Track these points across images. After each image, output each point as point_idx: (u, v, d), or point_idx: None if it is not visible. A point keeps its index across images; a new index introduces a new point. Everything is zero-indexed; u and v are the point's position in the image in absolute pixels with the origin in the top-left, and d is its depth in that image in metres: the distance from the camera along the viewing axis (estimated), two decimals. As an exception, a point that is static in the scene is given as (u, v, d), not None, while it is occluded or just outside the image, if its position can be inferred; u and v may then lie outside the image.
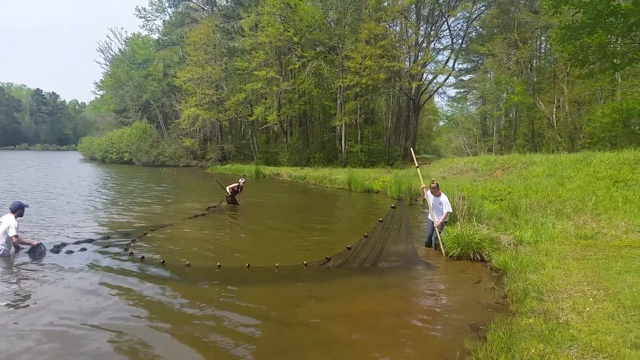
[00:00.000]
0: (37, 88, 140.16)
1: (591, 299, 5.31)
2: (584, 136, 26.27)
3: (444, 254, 8.79)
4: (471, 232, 8.56)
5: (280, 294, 6.70)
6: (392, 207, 8.66)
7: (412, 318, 5.80)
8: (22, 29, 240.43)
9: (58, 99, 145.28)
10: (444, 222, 9.27)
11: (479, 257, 8.38)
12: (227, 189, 16.56)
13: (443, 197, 9.27)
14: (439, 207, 9.24)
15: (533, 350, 4.12)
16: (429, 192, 9.42)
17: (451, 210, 9.29)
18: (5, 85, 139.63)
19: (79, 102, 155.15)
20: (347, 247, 8.11)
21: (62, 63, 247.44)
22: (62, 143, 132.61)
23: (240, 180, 17.06)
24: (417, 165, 10.45)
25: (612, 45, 19.71)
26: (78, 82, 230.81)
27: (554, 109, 29.72)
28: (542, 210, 11.12)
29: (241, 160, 44.07)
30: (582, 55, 19.45)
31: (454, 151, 52.14)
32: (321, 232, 12.07)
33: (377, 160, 35.84)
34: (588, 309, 5.01)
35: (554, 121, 29.29)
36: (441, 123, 63.76)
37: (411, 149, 13.33)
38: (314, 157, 38.36)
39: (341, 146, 38.19)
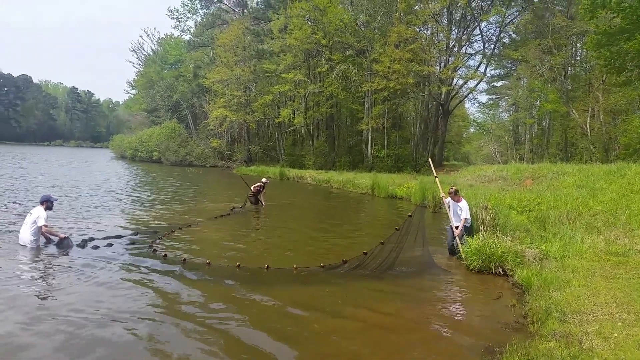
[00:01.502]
0: (73, 86, 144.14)
1: (620, 324, 4.89)
2: (618, 147, 25.24)
3: (463, 261, 8.49)
4: (494, 245, 8.14)
5: (296, 296, 6.64)
6: (409, 215, 8.66)
7: (423, 334, 5.50)
8: (60, 27, 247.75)
9: (93, 97, 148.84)
10: (467, 227, 8.99)
11: (501, 271, 7.95)
12: (252, 189, 16.54)
13: (462, 203, 9.08)
14: (459, 213, 9.04)
15: (551, 380, 3.77)
16: (448, 198, 9.31)
17: (469, 217, 9.02)
18: (43, 82, 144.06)
19: (113, 101, 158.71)
20: (364, 252, 8.04)
21: (98, 62, 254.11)
22: (96, 140, 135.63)
23: (263, 179, 17.13)
24: (435, 175, 10.39)
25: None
26: (113, 81, 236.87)
27: (588, 118, 28.68)
28: (572, 223, 10.58)
29: (267, 162, 44.14)
30: (619, 62, 18.69)
31: (484, 159, 51.07)
32: (340, 236, 12.00)
33: (404, 166, 35.31)
34: (616, 334, 4.60)
35: (588, 131, 28.26)
36: (472, 130, 62.72)
37: (429, 158, 13.04)
38: (340, 160, 38.10)
39: (367, 150, 37.81)
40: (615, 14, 18.12)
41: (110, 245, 9.13)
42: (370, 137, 37.47)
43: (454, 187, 9.27)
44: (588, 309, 5.39)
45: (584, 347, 4.38)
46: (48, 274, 7.19)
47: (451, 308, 6.50)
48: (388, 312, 6.15)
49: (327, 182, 29.55)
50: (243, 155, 46.72)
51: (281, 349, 4.90)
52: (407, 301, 6.70)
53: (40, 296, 6.15)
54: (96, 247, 8.89)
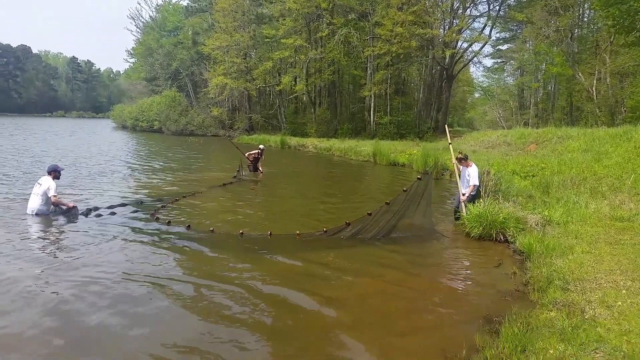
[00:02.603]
0: (73, 56, 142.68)
1: (624, 291, 4.71)
2: (625, 110, 24.69)
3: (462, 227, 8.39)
4: (495, 211, 7.92)
5: (297, 264, 6.62)
6: (418, 178, 8.46)
7: (420, 303, 5.34)
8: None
9: (93, 67, 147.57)
10: (473, 195, 8.76)
11: (502, 237, 7.75)
12: (248, 155, 16.44)
13: (472, 169, 8.87)
14: (467, 178, 8.88)
15: (552, 352, 3.59)
16: (459, 165, 9.21)
17: (477, 184, 8.79)
18: (43, 53, 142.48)
19: (114, 71, 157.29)
20: (368, 213, 7.92)
21: (98, 31, 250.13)
22: (97, 111, 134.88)
23: (260, 146, 17.05)
24: (450, 142, 10.06)
25: (663, 11, 18.17)
26: (113, 50, 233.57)
27: (595, 81, 27.96)
28: (576, 187, 10.35)
29: (269, 131, 43.67)
30: (628, 21, 18.01)
31: (488, 124, 50.38)
32: (342, 203, 11.98)
33: (407, 133, 34.85)
34: (620, 303, 4.42)
35: (594, 94, 27.61)
36: (476, 95, 61.62)
37: (445, 125, 12.78)
38: (342, 128, 37.61)
39: (370, 118, 37.25)
40: (625, -29, 17.41)
41: (113, 213, 9.17)
42: (372, 103, 36.85)
43: (462, 153, 9.17)
44: (591, 277, 5.20)
45: (586, 317, 4.20)
46: (51, 240, 7.42)
47: (450, 276, 6.34)
48: (387, 280, 6.01)
49: (329, 150, 29.28)
50: (244, 124, 46.24)
51: (276, 318, 4.80)
52: (406, 269, 6.55)
53: (39, 260, 6.27)
54: (99, 216, 8.96)
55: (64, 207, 8.98)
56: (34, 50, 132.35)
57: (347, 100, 42.74)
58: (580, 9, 33.95)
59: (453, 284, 6.02)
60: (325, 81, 39.11)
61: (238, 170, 15.98)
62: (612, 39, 25.95)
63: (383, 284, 5.88)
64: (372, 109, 36.95)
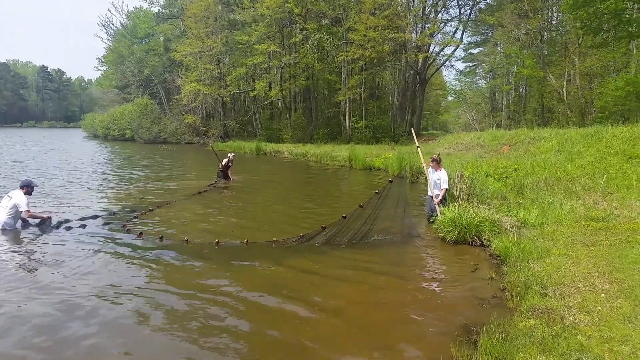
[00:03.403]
0: (43, 65, 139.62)
1: (603, 295, 4.56)
2: (595, 110, 25.12)
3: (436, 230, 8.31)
4: (470, 214, 7.77)
5: (273, 274, 6.38)
6: (390, 181, 8.34)
7: (393, 313, 5.10)
8: (30, 5, 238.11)
9: (64, 76, 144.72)
10: (443, 198, 8.80)
11: (478, 241, 7.60)
12: (222, 163, 16.32)
13: (442, 173, 8.94)
14: (437, 182, 8.91)
15: (532, 364, 3.40)
16: (430, 168, 9.19)
17: (447, 187, 8.84)
18: (11, 62, 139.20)
19: (85, 79, 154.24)
20: (343, 216, 7.82)
21: (68, 39, 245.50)
22: (69, 120, 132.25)
23: (229, 154, 16.91)
24: (417, 145, 9.96)
25: (628, 12, 18.49)
26: (85, 59, 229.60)
27: (565, 83, 28.45)
28: (550, 188, 10.33)
29: (244, 138, 43.18)
30: (596, 23, 18.30)
31: (462, 127, 50.86)
32: (318, 208, 11.88)
33: (382, 137, 34.91)
34: (599, 308, 4.27)
35: (565, 95, 28.07)
36: (450, 98, 62.23)
37: (412, 129, 12.71)
38: (318, 133, 37.46)
39: (345, 122, 37.24)
40: (591, -26, 17.68)
41: (84, 226, 8.84)
42: (347, 108, 36.87)
43: (438, 155, 9.20)
44: (569, 280, 5.05)
45: (566, 324, 4.02)
46: (19, 256, 7.06)
47: (427, 283, 6.12)
48: (364, 289, 5.81)
49: (305, 155, 29.03)
50: (219, 131, 45.70)
51: (255, 331, 4.67)
52: (383, 277, 6.33)
53: (16, 279, 5.97)
54: (69, 228, 8.62)
55: (38, 220, 8.72)
56: (2, 59, 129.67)
57: (323, 105, 42.66)
58: (549, 12, 34.62)
59: (430, 291, 5.80)
60: (299, 86, 38.96)
61: (216, 181, 15.78)
62: (580, 41, 26.44)
63: (360, 294, 5.67)
64: (347, 113, 36.96)
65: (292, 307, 5.20)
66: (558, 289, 4.88)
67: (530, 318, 4.33)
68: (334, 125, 39.96)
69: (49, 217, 8.80)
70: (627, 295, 4.46)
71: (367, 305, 5.37)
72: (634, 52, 23.80)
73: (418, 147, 9.97)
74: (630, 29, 18.56)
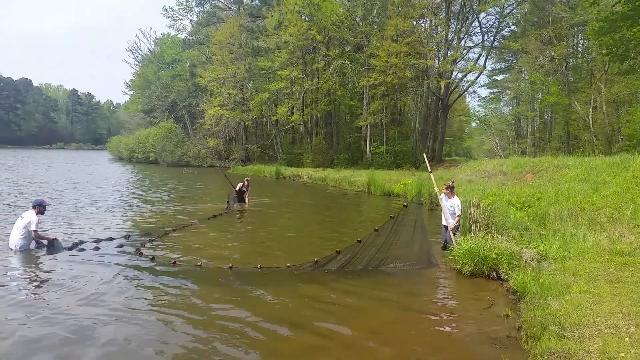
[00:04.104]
0: (73, 89, 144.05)
1: (627, 339, 4.20)
2: (622, 138, 24.44)
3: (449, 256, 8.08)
4: (487, 246, 7.43)
5: (284, 303, 6.25)
6: (404, 205, 8.15)
7: (402, 350, 4.81)
8: (63, 31, 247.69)
9: (93, 100, 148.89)
10: (457, 226, 8.66)
11: (495, 274, 7.24)
12: (235, 188, 16.30)
13: (455, 200, 8.84)
14: (450, 209, 8.80)
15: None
16: (443, 195, 9.07)
17: (459, 214, 8.70)
18: (43, 86, 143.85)
19: (114, 103, 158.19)
20: (358, 240, 7.71)
21: (99, 64, 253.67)
22: (97, 143, 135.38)
23: (245, 179, 16.90)
24: (430, 171, 10.03)
25: (655, 39, 18.07)
26: (114, 83, 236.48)
27: (591, 110, 27.84)
28: (573, 219, 9.88)
29: (265, 161, 43.48)
30: (622, 49, 17.90)
31: (486, 153, 50.15)
32: (332, 234, 11.72)
33: (403, 162, 34.60)
34: (623, 354, 3.91)
35: (591, 122, 27.43)
36: (473, 124, 61.72)
37: (424, 155, 12.60)
38: (339, 158, 37.42)
39: (366, 147, 37.15)
40: (617, 0, 17.37)
41: (97, 248, 8.82)
42: (369, 133, 36.82)
43: (452, 182, 9.10)
44: (590, 321, 4.69)
45: (584, 372, 3.69)
46: (32, 278, 7.06)
47: (439, 319, 5.80)
48: (374, 324, 5.53)
49: (324, 180, 28.89)
50: (240, 155, 46.14)
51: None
52: (394, 310, 6.09)
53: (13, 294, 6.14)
54: (82, 250, 8.64)
55: (45, 242, 8.70)
56: (35, 84, 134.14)
57: (344, 130, 42.70)
58: (575, 39, 34.19)
59: (442, 328, 5.48)
60: (321, 111, 39.16)
61: (228, 202, 15.75)
62: (606, 68, 25.95)
63: (369, 329, 5.39)
64: (368, 138, 36.89)
65: (300, 335, 5.14)
66: (577, 330, 4.53)
67: (545, 363, 4.00)
68: (355, 150, 39.90)
69: (55, 239, 8.79)
70: (654, 341, 4.09)
71: (376, 339, 5.12)
72: (662, 79, 23.19)
73: (430, 172, 10.06)
74: (658, 55, 18.15)
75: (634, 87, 24.84)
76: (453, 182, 9.24)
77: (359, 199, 20.86)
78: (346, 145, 41.32)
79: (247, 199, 16.35)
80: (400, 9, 34.85)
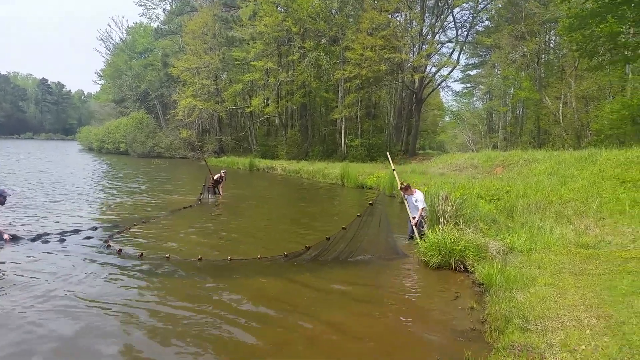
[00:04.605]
0: (43, 78, 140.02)
1: (588, 332, 4.17)
2: (590, 133, 24.91)
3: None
4: (454, 238, 7.39)
5: (252, 294, 6.18)
6: (370, 203, 8.24)
7: (366, 345, 4.73)
8: (30, 18, 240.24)
9: (64, 89, 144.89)
10: (423, 220, 8.69)
11: (462, 266, 7.22)
12: (213, 177, 16.21)
13: (417, 195, 8.94)
14: (415, 204, 8.83)
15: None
16: (404, 195, 9.24)
17: (425, 207, 8.77)
18: (11, 74, 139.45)
19: (85, 93, 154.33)
20: (326, 237, 7.85)
21: (70, 53, 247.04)
22: (67, 133, 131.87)
23: (222, 171, 16.85)
24: (393, 168, 10.30)
25: (623, 36, 18.38)
26: (86, 73, 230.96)
27: (561, 105, 28.33)
28: (541, 212, 9.95)
29: (240, 153, 43.00)
30: (591, 45, 18.12)
31: (459, 147, 50.69)
32: (304, 227, 11.62)
33: (377, 155, 34.57)
34: (583, 347, 3.87)
35: (560, 117, 27.91)
36: (447, 119, 62.23)
37: (387, 153, 12.88)
38: (313, 150, 37.26)
39: (341, 140, 37.08)
40: (586, -3, 17.62)
41: (63, 240, 8.60)
42: (344, 126, 36.74)
43: (404, 183, 9.19)
44: (553, 314, 4.66)
45: (545, 365, 3.63)
46: None
47: (404, 312, 5.73)
48: (339, 319, 5.43)
49: (298, 172, 28.73)
50: (214, 146, 45.50)
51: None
52: (360, 304, 6.01)
53: None
54: (46, 242, 8.40)
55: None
56: (3, 72, 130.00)
57: (319, 123, 42.47)
58: (547, 35, 34.68)
59: (406, 322, 5.39)
60: (296, 103, 38.85)
61: (202, 193, 15.58)
62: (576, 64, 26.38)
63: (333, 322, 5.30)
64: (343, 131, 36.81)
65: (265, 329, 5.07)
66: (541, 323, 4.50)
67: (507, 357, 3.94)
68: (330, 143, 39.76)
69: (13, 237, 8.41)
70: (614, 333, 4.07)
71: (340, 333, 5.04)
72: (630, 75, 23.68)
73: (394, 170, 10.26)
74: (625, 52, 18.43)
75: (602, 83, 25.32)
76: (403, 182, 9.30)
77: (333, 191, 20.76)
78: (321, 137, 41.14)
79: (221, 190, 16.24)
80: (376, 2, 34.75)
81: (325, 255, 7.83)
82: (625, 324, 4.24)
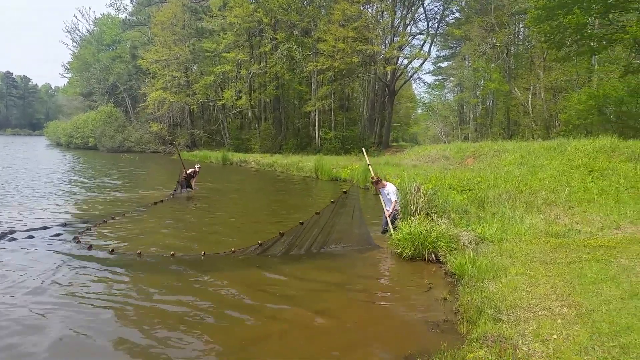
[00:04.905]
0: (7, 71, 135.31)
1: (560, 321, 4.18)
2: (559, 124, 25.41)
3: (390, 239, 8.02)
4: (426, 229, 7.37)
5: (224, 290, 6.05)
6: (344, 191, 8.27)
7: (337, 339, 4.66)
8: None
9: (30, 83, 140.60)
10: (396, 212, 8.68)
11: (434, 257, 7.21)
12: (187, 171, 15.87)
13: (389, 187, 9.00)
14: (388, 197, 8.86)
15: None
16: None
17: (398, 199, 8.74)
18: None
19: (52, 87, 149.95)
20: (300, 222, 7.81)
21: (39, 46, 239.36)
22: (35, 128, 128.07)
23: (196, 165, 16.67)
24: (368, 162, 10.24)
25: (589, 27, 18.72)
26: (53, 66, 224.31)
27: (530, 96, 28.82)
28: (511, 201, 10.05)
29: (213, 147, 42.37)
30: (559, 36, 18.42)
31: (431, 139, 51.19)
32: (277, 219, 11.58)
33: (352, 148, 34.55)
34: (555, 336, 3.87)
35: (530, 108, 28.40)
36: (419, 111, 62.77)
37: (362, 148, 12.87)
38: (287, 144, 37.00)
39: (315, 133, 36.93)
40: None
41: (31, 237, 8.37)
42: (317, 118, 36.59)
43: (374, 177, 9.24)
44: (525, 303, 4.67)
45: (518, 356, 3.61)
46: None
47: (378, 304, 5.71)
48: (311, 310, 5.37)
49: (272, 165, 28.51)
50: (186, 140, 44.76)
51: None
52: (328, 296, 5.97)
53: None
54: (13, 240, 8.16)
55: None
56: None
57: (293, 116, 42.16)
58: (516, 27, 35.16)
59: (379, 315, 5.36)
60: (269, 96, 38.44)
61: (175, 189, 15.31)
62: (545, 55, 26.81)
63: (306, 316, 5.23)
64: (317, 124, 36.67)
65: (238, 323, 5.01)
66: (513, 313, 4.49)
67: (480, 348, 3.91)
68: (304, 136, 39.55)
69: None
70: (585, 321, 4.08)
71: (311, 329, 4.94)
72: (596, 67, 24.20)
73: (369, 164, 10.18)
74: (591, 43, 18.78)
75: (570, 74, 25.80)
76: (373, 177, 9.36)
77: (307, 184, 20.66)
78: (295, 130, 40.87)
79: (194, 184, 15.99)
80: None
81: (299, 243, 7.77)
82: (595, 311, 4.27)
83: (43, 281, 6.02)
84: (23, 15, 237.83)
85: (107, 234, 9.04)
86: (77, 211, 11.76)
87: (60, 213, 11.36)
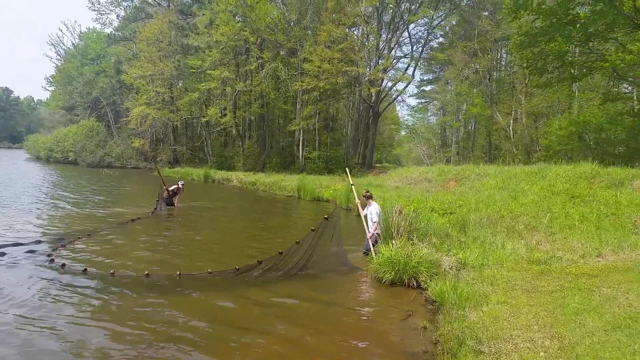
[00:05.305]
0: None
1: (542, 354, 4.03)
2: (540, 149, 25.71)
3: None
4: (407, 253, 7.22)
5: (198, 313, 5.85)
6: (325, 218, 8.27)
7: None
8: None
9: (11, 95, 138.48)
10: (377, 235, 8.73)
11: (415, 283, 7.05)
12: (168, 189, 15.67)
13: (373, 207, 9.02)
14: (370, 217, 8.94)
15: None
16: (360, 205, 9.36)
17: (377, 220, 8.81)
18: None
19: (35, 99, 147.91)
20: (279, 252, 7.74)
21: (19, 58, 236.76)
22: (15, 141, 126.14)
23: (179, 182, 16.52)
24: (351, 183, 10.26)
25: (570, 55, 19.08)
26: (36, 79, 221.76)
27: (511, 121, 29.21)
28: (493, 226, 9.97)
29: (195, 164, 42.01)
30: (541, 63, 18.75)
31: (414, 161, 51.49)
32: (257, 240, 11.28)
33: (335, 168, 34.53)
34: (537, 371, 3.72)
35: (511, 133, 28.75)
36: (403, 133, 63.26)
37: (346, 168, 13.17)
38: (271, 162, 36.87)
39: (299, 152, 36.86)
40: (536, 16, 18.17)
41: (2, 254, 8.11)
42: (301, 138, 36.57)
43: (366, 191, 9.28)
44: (507, 334, 4.51)
45: (499, 393, 3.44)
46: None
47: (353, 331, 5.49)
48: (286, 339, 5.22)
49: (254, 184, 28.24)
50: (168, 156, 44.27)
51: None
52: (310, 322, 5.76)
53: None
54: None
55: None
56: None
57: (277, 134, 42.11)
58: (499, 53, 35.80)
59: (358, 342, 5.15)
60: (254, 114, 38.39)
61: (155, 208, 14.95)
62: (527, 81, 27.27)
63: (281, 344, 5.06)
64: (301, 143, 36.64)
65: (212, 346, 4.91)
66: (494, 345, 4.33)
67: (460, 383, 3.73)
68: (288, 155, 39.46)
69: None
70: (568, 355, 3.94)
71: (289, 352, 4.85)
72: (576, 93, 24.64)
73: (352, 185, 10.18)
74: (572, 71, 19.12)
75: (551, 100, 26.24)
76: (367, 190, 9.41)
77: (289, 204, 20.43)
78: (279, 149, 40.77)
79: (176, 202, 15.76)
80: (333, 15, 34.90)
81: (277, 268, 7.64)
82: (578, 344, 4.14)
83: (10, 300, 5.81)
84: (7, 27, 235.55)
85: (82, 252, 8.77)
86: (52, 227, 11.39)
87: (35, 229, 11.02)
